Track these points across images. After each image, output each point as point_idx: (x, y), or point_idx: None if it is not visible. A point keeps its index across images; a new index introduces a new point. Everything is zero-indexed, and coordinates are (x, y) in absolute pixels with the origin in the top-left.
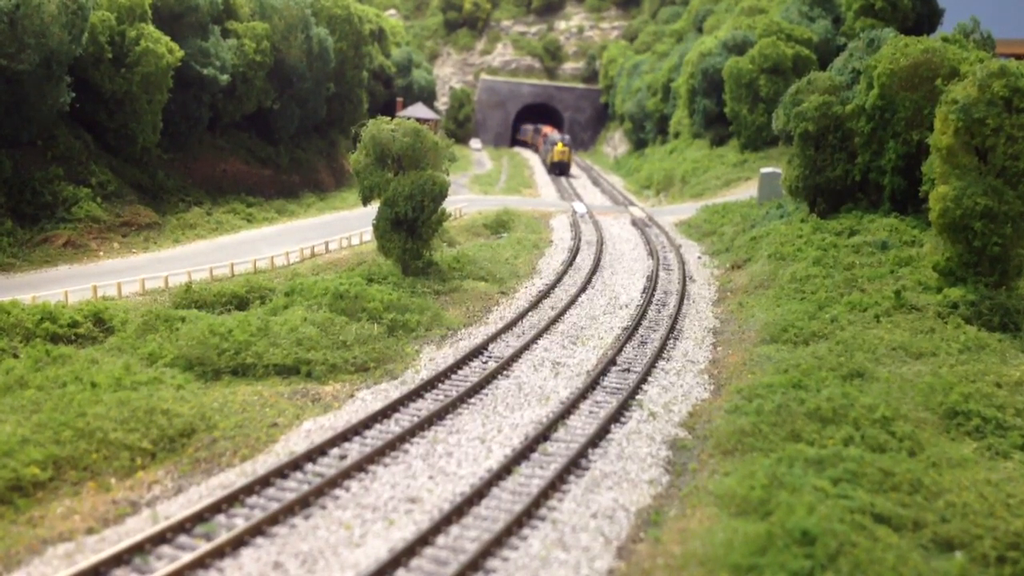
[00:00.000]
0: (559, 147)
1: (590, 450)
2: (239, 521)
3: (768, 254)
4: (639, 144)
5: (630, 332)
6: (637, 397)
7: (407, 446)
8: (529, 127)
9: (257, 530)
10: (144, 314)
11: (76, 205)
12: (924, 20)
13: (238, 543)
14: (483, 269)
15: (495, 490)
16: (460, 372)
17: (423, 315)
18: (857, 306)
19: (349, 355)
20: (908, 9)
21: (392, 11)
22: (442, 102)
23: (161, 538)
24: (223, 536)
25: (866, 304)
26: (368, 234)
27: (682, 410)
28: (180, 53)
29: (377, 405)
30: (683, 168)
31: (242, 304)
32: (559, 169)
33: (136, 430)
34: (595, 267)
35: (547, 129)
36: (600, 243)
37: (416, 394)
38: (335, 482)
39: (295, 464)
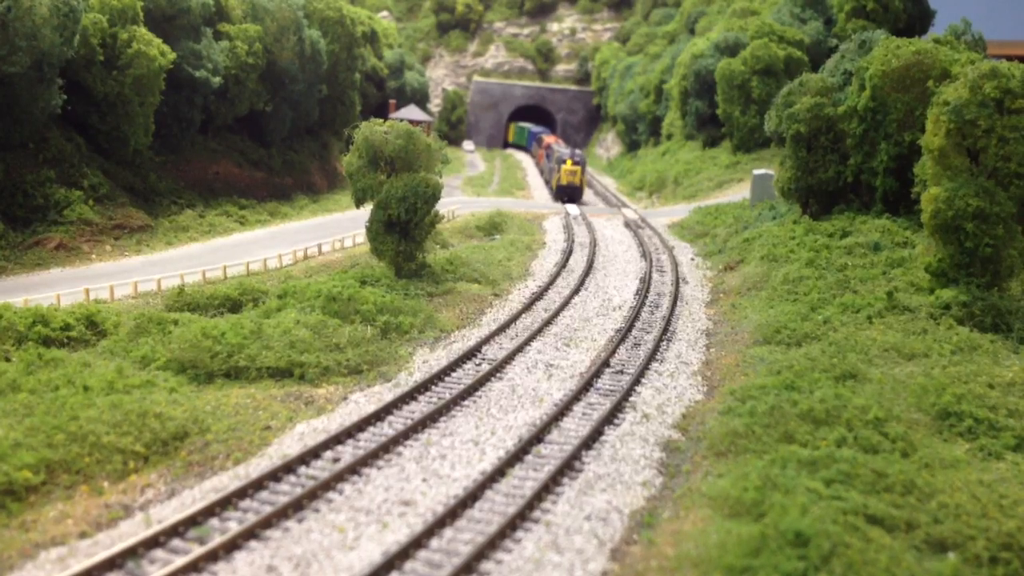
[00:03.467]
0: (568, 166)
1: (583, 452)
2: (232, 524)
3: (761, 255)
4: (632, 146)
5: (623, 334)
6: (630, 399)
7: (400, 449)
8: (518, 126)
9: (250, 533)
10: (136, 317)
11: (68, 208)
12: (915, 21)
13: (231, 546)
14: (476, 271)
15: (489, 492)
16: (453, 374)
17: (416, 317)
18: (849, 307)
19: (342, 357)
20: (899, 11)
21: (384, 13)
22: (435, 104)
23: (154, 542)
24: (216, 540)
25: (858, 305)
26: (361, 236)
27: (675, 412)
28: (172, 55)
29: (370, 408)
30: (676, 170)
31: (235, 307)
32: (567, 195)
33: (129, 433)
34: (588, 269)
35: (549, 139)
36: (593, 245)
37: (409, 396)
38: (328, 485)
39: (288, 467)
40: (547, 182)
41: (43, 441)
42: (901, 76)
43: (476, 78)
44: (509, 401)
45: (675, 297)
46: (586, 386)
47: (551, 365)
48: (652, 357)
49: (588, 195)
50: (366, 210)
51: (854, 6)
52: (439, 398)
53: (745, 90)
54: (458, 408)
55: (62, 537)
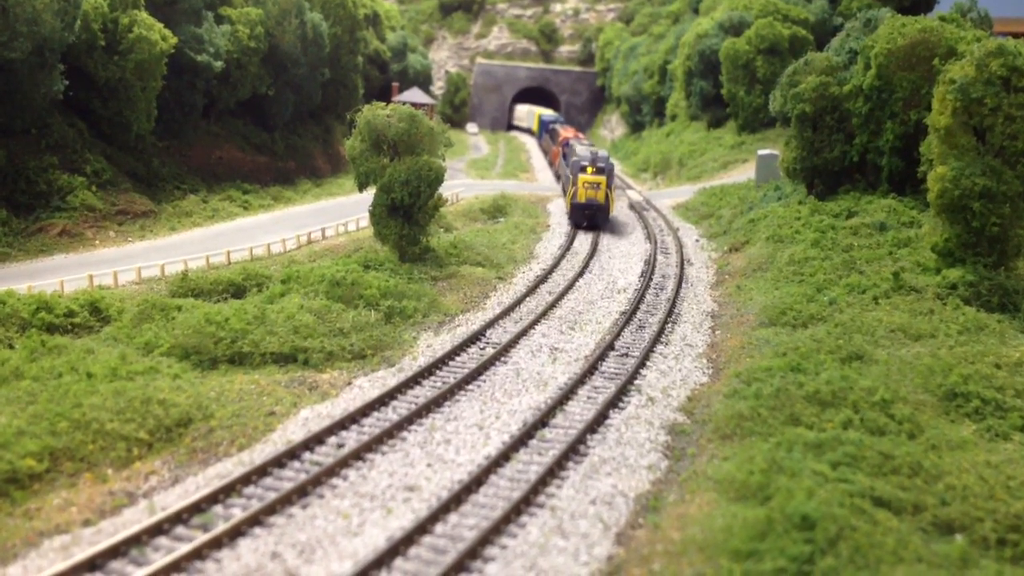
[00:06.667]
0: (588, 176)
1: (588, 436)
2: (236, 511)
3: (766, 236)
4: (636, 127)
5: (628, 316)
6: (635, 382)
7: (405, 434)
8: (524, 110)
9: (255, 520)
10: (140, 303)
11: (71, 194)
12: None
13: (236, 534)
14: (480, 254)
15: (493, 477)
16: (458, 359)
17: (420, 301)
18: (856, 288)
19: (346, 343)
20: None
21: None
22: (438, 86)
23: (158, 529)
24: (220, 527)
25: (864, 286)
26: (365, 220)
27: (681, 395)
28: (174, 40)
29: (374, 393)
30: (680, 151)
31: (239, 292)
32: (587, 217)
33: (132, 420)
34: (592, 251)
35: (567, 132)
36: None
37: (414, 381)
38: (333, 471)
39: (292, 453)
40: (563, 191)
41: (47, 428)
42: (907, 54)
43: (479, 60)
44: (514, 385)
45: (680, 279)
46: (591, 369)
47: (556, 348)
48: (657, 340)
49: None
50: (370, 194)
51: None
52: (443, 383)
53: (750, 70)
54: (462, 392)
55: (66, 525)
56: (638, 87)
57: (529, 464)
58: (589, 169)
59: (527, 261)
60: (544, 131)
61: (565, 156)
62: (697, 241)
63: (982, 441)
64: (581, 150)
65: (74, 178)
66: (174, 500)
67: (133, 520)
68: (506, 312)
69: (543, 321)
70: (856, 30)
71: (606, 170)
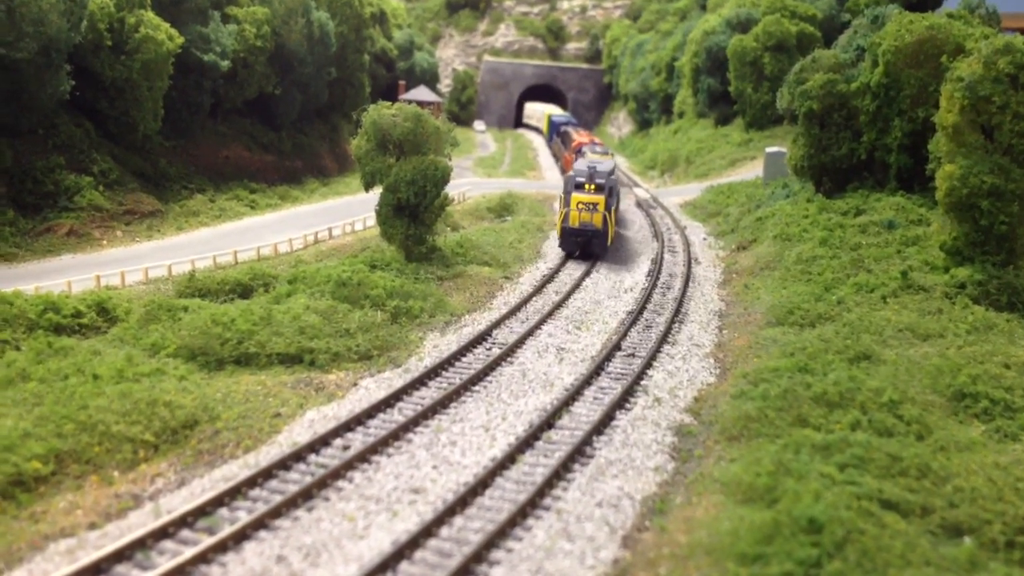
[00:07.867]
0: (584, 195)
1: (595, 437)
2: (242, 514)
3: (774, 235)
4: (643, 124)
5: (635, 316)
6: (642, 383)
7: (411, 435)
8: (534, 108)
9: (260, 523)
10: (147, 304)
11: (78, 194)
12: None
13: (241, 537)
14: (487, 254)
15: (499, 480)
16: (464, 359)
17: (426, 301)
18: (864, 287)
19: (352, 343)
20: None
21: None
22: (445, 84)
23: (163, 532)
24: (226, 530)
25: (873, 285)
26: (372, 219)
27: (687, 395)
28: (180, 39)
29: (381, 394)
30: (688, 148)
31: (245, 292)
32: (580, 244)
33: (138, 422)
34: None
35: (580, 137)
36: None
37: (420, 382)
38: (338, 473)
39: (298, 455)
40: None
41: (53, 431)
42: (914, 52)
43: (486, 58)
44: (520, 386)
45: (687, 278)
46: (597, 370)
47: (562, 349)
48: (664, 340)
49: None
50: (377, 192)
51: None
52: (449, 383)
53: (757, 67)
54: (468, 393)
55: (71, 528)
56: (645, 84)
57: (535, 466)
58: (587, 186)
59: (534, 260)
60: (555, 134)
61: (575, 164)
62: (704, 239)
63: (991, 442)
64: (580, 164)
65: (81, 178)
66: (180, 503)
67: (139, 523)
68: (512, 312)
69: (549, 321)
70: (864, 27)
71: (606, 187)
